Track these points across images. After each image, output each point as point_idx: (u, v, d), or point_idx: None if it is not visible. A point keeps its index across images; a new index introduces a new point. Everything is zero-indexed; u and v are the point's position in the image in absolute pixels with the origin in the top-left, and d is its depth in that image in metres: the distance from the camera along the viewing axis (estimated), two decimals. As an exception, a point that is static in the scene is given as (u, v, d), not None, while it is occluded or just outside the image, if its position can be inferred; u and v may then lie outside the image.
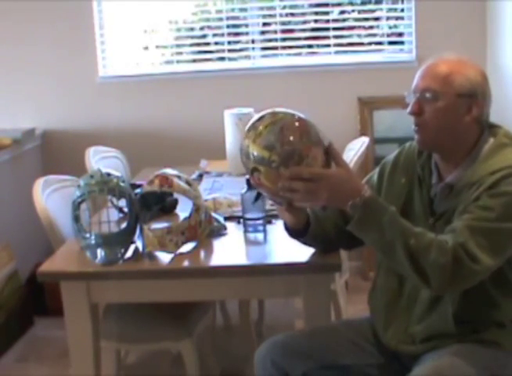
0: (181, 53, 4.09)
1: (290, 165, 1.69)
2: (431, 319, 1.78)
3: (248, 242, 2.22)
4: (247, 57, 3.99)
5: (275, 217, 2.28)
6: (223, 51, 4.00)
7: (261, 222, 2.21)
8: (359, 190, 1.67)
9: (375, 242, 1.69)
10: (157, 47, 4.14)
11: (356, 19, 3.97)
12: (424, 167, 1.88)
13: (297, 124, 1.74)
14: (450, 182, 1.79)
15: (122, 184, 2.09)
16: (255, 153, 1.73)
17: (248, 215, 2.21)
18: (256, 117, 1.80)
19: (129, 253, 2.08)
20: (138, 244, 2.11)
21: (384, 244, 1.66)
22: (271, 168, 1.71)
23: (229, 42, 3.99)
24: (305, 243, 1.99)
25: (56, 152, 4.00)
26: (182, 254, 2.08)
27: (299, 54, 4.00)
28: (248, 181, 2.18)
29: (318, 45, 3.99)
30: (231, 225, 2.31)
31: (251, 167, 1.75)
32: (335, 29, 3.93)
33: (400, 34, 3.96)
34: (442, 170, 1.84)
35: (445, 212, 1.77)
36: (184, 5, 4.02)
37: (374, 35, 3.97)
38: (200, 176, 3.04)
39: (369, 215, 1.66)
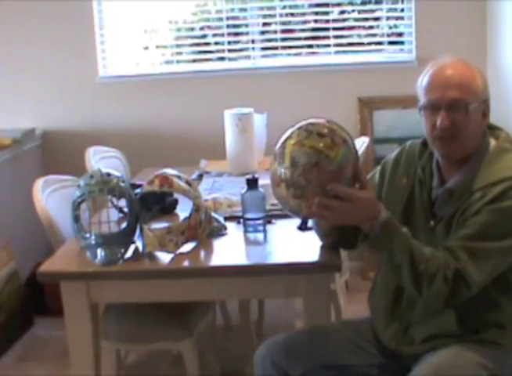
0: (181, 53, 4.09)
1: (290, 187, 1.70)
2: (432, 319, 1.78)
3: (248, 242, 2.21)
4: (247, 57, 3.99)
5: (276, 217, 2.29)
6: (223, 51, 4.00)
7: (261, 222, 2.20)
8: (378, 214, 1.70)
9: (385, 262, 1.77)
10: (157, 47, 4.13)
11: (356, 19, 3.97)
12: (425, 168, 1.87)
13: (334, 172, 1.68)
14: (451, 187, 1.79)
15: (122, 184, 2.09)
16: (285, 154, 1.72)
17: (248, 215, 2.21)
18: (320, 121, 1.75)
19: (129, 253, 2.08)
20: (138, 244, 2.11)
21: (393, 266, 1.72)
22: (285, 177, 1.72)
23: (229, 42, 3.99)
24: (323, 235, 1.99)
25: (56, 152, 4.00)
26: (182, 254, 2.07)
27: (299, 54, 4.00)
28: (248, 181, 2.18)
29: (318, 45, 3.98)
30: (231, 225, 2.31)
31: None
32: (335, 29, 3.92)
33: (400, 34, 3.96)
34: (445, 172, 1.83)
35: (446, 216, 1.77)
36: (184, 5, 4.02)
37: (374, 35, 3.97)
38: (200, 176, 3.04)
39: (383, 237, 1.69)
